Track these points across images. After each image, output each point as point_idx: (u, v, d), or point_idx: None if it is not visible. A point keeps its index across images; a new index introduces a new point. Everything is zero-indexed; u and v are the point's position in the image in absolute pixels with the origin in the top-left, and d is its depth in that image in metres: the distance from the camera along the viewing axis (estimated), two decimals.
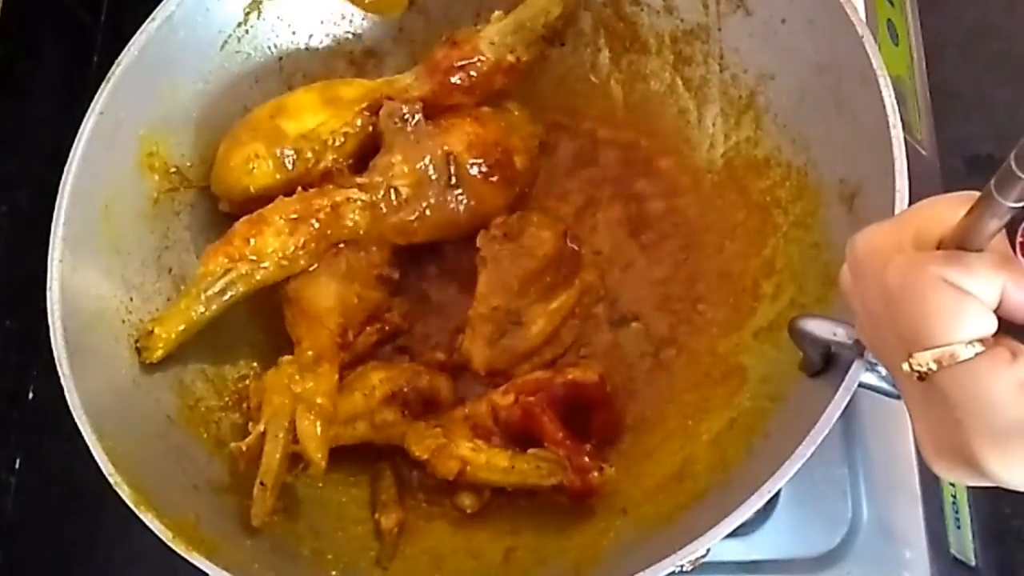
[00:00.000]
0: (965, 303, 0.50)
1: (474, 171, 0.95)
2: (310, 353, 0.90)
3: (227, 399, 0.96)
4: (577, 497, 0.85)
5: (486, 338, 0.94)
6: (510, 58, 0.98)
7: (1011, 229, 0.51)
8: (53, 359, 0.84)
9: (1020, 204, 0.46)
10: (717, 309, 0.94)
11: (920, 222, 0.53)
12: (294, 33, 1.03)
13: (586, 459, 0.85)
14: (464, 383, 0.97)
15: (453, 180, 0.94)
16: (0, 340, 1.15)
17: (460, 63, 0.97)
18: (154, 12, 0.95)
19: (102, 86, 0.93)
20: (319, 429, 0.86)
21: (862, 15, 0.82)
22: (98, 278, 0.91)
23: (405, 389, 0.91)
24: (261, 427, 0.86)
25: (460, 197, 0.95)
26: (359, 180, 0.94)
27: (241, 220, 0.92)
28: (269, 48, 1.02)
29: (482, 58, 0.97)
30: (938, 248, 0.52)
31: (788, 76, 0.91)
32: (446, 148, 0.94)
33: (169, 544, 0.78)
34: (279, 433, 0.85)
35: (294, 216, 0.91)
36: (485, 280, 0.94)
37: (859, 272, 0.56)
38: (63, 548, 1.13)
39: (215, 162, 0.96)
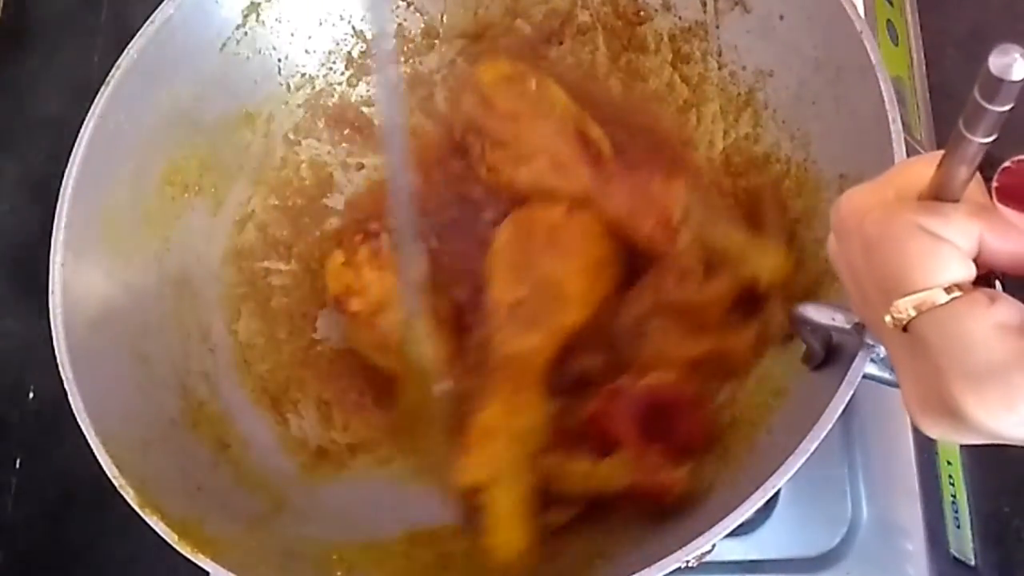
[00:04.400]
0: (941, 248, 0.50)
1: None
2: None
3: None
4: (650, 498, 0.82)
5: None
6: None
7: (988, 177, 0.52)
8: (53, 359, 0.84)
9: (988, 139, 0.47)
10: None
11: (900, 180, 0.54)
12: (292, 35, 1.03)
13: (655, 458, 0.82)
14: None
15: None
16: (0, 340, 1.15)
17: None
18: (153, 15, 0.95)
19: (101, 89, 0.92)
20: None
21: (860, 11, 0.83)
22: (100, 281, 0.91)
23: None
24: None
25: None
26: None
27: None
28: (268, 50, 1.02)
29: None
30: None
31: (786, 72, 0.91)
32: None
33: (175, 546, 0.78)
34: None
35: None
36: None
37: (842, 233, 0.56)
38: (64, 548, 1.13)
39: None
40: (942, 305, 0.50)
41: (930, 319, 0.50)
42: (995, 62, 0.43)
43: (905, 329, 0.52)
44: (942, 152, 0.50)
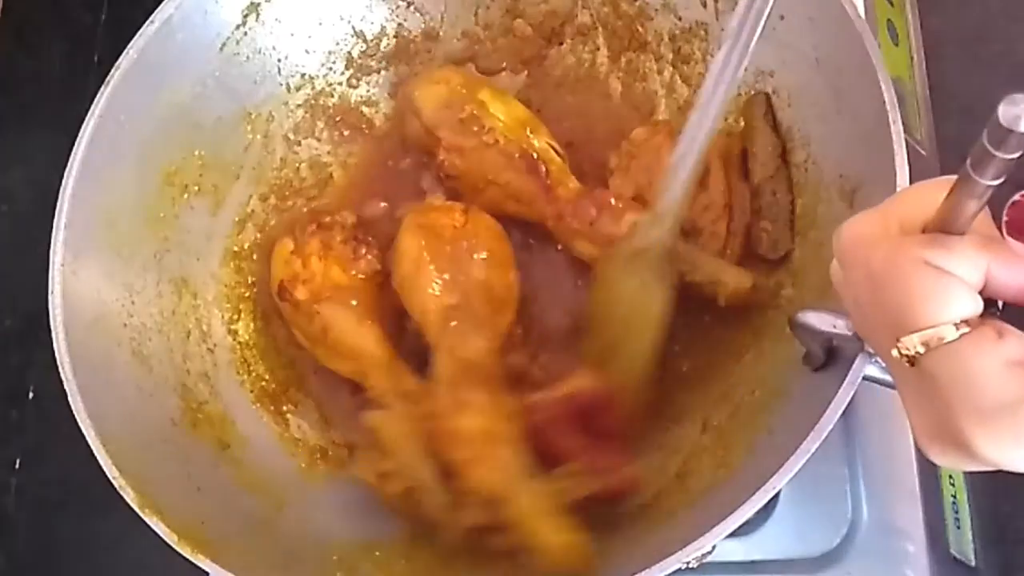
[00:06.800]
0: (948, 284, 0.50)
1: None
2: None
3: None
4: (617, 496, 0.84)
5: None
6: None
7: (996, 210, 0.52)
8: (53, 358, 0.84)
9: (996, 182, 0.47)
10: None
11: (904, 208, 0.53)
12: (292, 35, 1.03)
13: (612, 457, 0.84)
14: None
15: None
16: (0, 340, 1.15)
17: None
18: (152, 15, 0.94)
19: (101, 89, 0.92)
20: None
21: (861, 12, 0.83)
22: (100, 282, 0.91)
23: None
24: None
25: None
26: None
27: None
28: (268, 50, 1.02)
29: None
30: (923, 233, 0.52)
31: (787, 72, 0.91)
32: None
33: (175, 547, 0.78)
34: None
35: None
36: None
37: (846, 262, 0.56)
38: (64, 548, 1.13)
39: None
40: (950, 342, 0.50)
41: (938, 356, 0.50)
42: (1005, 112, 0.43)
43: (912, 363, 0.51)
44: (945, 179, 0.50)
